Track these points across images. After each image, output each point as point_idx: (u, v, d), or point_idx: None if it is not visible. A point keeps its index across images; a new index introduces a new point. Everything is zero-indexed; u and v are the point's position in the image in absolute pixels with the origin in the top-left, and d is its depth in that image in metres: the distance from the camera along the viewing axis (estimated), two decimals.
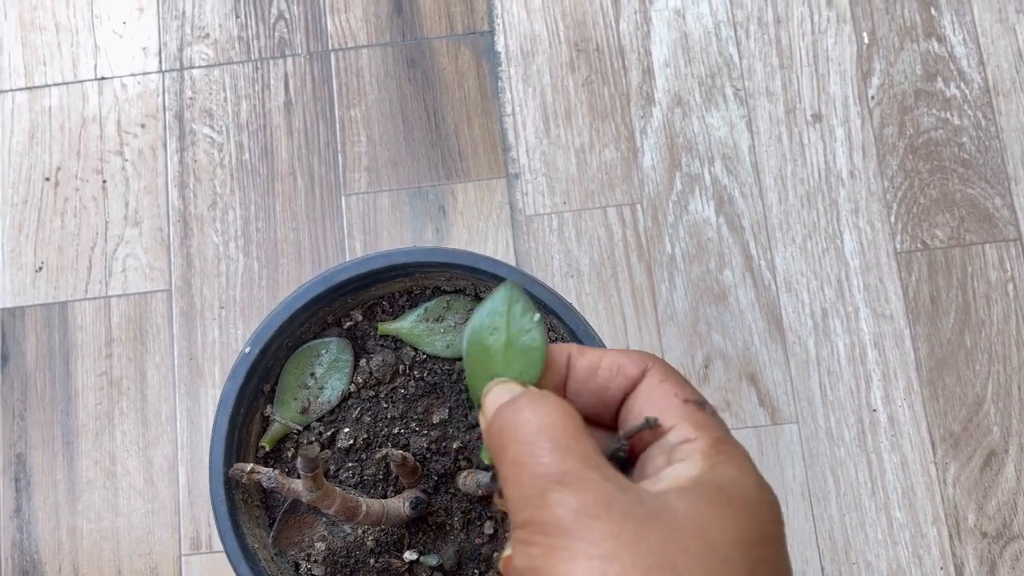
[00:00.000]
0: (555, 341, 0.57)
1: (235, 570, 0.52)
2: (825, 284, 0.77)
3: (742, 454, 0.28)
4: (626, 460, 0.30)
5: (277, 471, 0.47)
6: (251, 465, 0.47)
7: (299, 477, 0.47)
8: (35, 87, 0.85)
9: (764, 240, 0.78)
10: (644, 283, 0.77)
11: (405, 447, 0.56)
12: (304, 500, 0.47)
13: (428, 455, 0.55)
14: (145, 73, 0.84)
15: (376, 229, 0.79)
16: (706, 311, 0.77)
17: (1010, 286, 0.76)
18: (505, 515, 0.52)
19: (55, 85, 0.84)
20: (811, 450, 0.74)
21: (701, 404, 0.29)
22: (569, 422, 0.27)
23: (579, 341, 0.53)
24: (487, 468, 0.54)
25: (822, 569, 0.72)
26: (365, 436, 0.56)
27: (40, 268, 0.81)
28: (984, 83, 0.80)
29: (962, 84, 0.80)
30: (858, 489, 0.73)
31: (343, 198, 0.80)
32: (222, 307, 0.79)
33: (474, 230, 0.79)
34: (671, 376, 0.30)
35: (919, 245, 0.77)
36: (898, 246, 0.77)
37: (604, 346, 0.54)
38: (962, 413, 0.74)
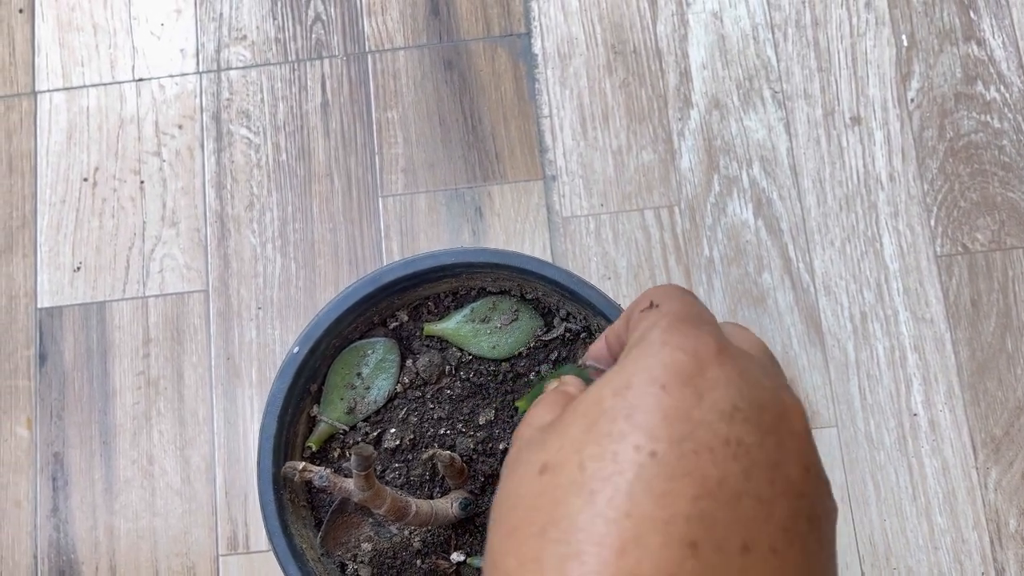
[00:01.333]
0: None
1: (284, 570, 0.51)
2: (864, 287, 0.76)
3: (667, 325, 0.28)
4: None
5: (329, 470, 0.47)
6: (303, 464, 0.47)
7: (348, 476, 0.47)
8: (73, 88, 0.85)
9: (803, 243, 0.77)
10: (682, 285, 0.77)
11: (451, 448, 0.56)
12: (355, 500, 0.47)
13: (474, 456, 0.55)
14: (183, 74, 0.84)
15: (413, 231, 0.79)
16: (745, 314, 0.76)
17: None
18: None
19: (93, 86, 0.85)
20: (851, 454, 0.74)
21: (649, 305, 0.30)
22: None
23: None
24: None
25: (862, 574, 0.72)
26: (411, 437, 0.56)
27: (78, 268, 0.81)
28: None
29: (1002, 87, 0.79)
30: (899, 494, 0.73)
31: (380, 199, 0.80)
32: (259, 308, 0.79)
33: (511, 232, 0.79)
34: (648, 296, 0.31)
35: (959, 248, 0.77)
36: (938, 249, 0.77)
37: None
38: (1004, 418, 0.74)
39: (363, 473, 0.46)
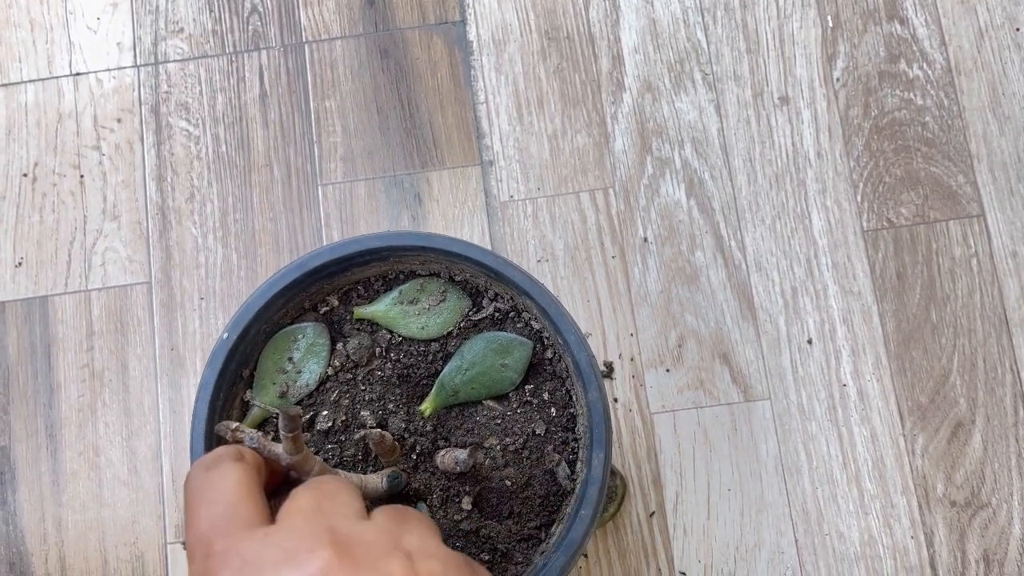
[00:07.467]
0: (528, 323, 0.58)
1: None
2: (794, 263, 0.79)
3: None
4: None
5: (260, 432, 0.48)
6: (236, 423, 0.48)
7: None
8: (10, 84, 0.85)
9: (734, 221, 0.79)
10: (618, 266, 0.79)
11: (383, 427, 0.57)
12: (284, 463, 0.48)
13: (406, 435, 0.56)
14: (120, 68, 0.85)
15: (353, 218, 0.81)
16: (679, 292, 0.78)
17: (974, 261, 0.78)
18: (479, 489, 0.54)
19: (31, 81, 0.85)
20: (784, 426, 0.76)
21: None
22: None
23: (551, 320, 0.54)
24: (464, 447, 0.55)
25: (796, 540, 0.74)
26: (343, 418, 0.57)
27: (20, 263, 0.81)
28: (946, 63, 0.81)
29: (924, 65, 0.81)
30: (830, 462, 0.75)
31: (319, 188, 0.81)
32: (202, 298, 0.80)
33: (450, 217, 0.80)
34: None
35: (885, 223, 0.79)
36: (865, 224, 0.79)
37: (578, 325, 0.56)
38: (929, 386, 0.76)
39: (291, 435, 0.47)
